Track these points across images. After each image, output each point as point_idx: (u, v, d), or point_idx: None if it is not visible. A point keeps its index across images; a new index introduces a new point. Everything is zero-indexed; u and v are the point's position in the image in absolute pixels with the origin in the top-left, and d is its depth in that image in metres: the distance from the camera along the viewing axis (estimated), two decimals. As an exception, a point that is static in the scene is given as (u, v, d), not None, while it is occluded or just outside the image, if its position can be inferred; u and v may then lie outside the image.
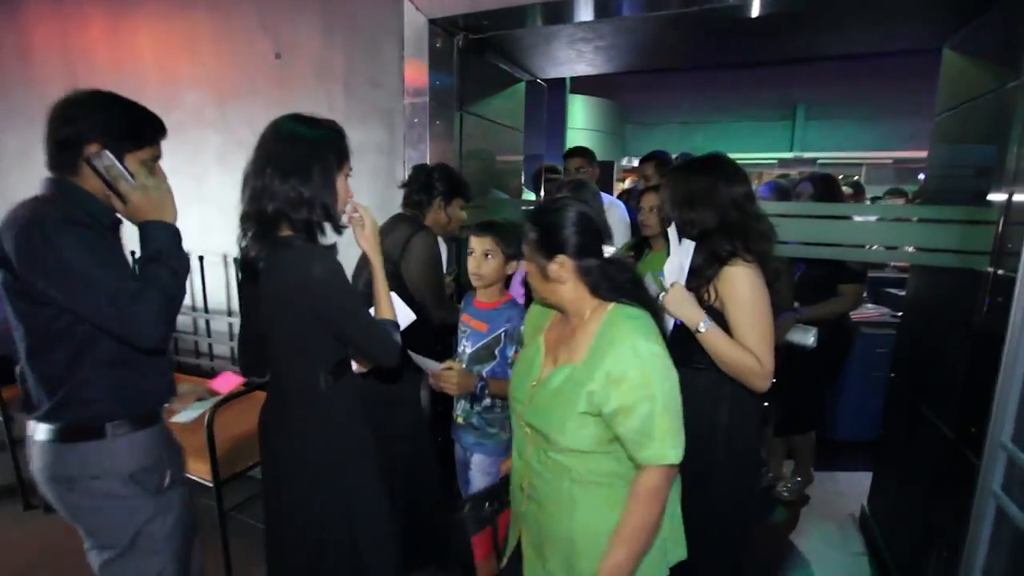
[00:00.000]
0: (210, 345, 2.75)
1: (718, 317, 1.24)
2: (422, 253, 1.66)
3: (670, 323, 1.35)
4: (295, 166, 1.08)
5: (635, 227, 2.36)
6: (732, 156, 1.40)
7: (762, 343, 1.20)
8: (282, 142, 1.10)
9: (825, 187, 2.30)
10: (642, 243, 2.10)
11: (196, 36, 2.49)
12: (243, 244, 1.14)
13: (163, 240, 1.11)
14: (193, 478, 1.91)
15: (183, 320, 2.78)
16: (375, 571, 1.25)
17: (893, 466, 2.11)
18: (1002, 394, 1.17)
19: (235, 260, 2.58)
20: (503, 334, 1.57)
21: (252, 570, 1.98)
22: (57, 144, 1.08)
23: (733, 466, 1.33)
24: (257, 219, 1.10)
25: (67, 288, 1.00)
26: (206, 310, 2.71)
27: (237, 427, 2.03)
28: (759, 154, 7.96)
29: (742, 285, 1.21)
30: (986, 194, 1.53)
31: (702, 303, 1.27)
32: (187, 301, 2.73)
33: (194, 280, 2.69)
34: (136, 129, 1.13)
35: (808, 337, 2.03)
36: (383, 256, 1.29)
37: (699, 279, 1.28)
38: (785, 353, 2.09)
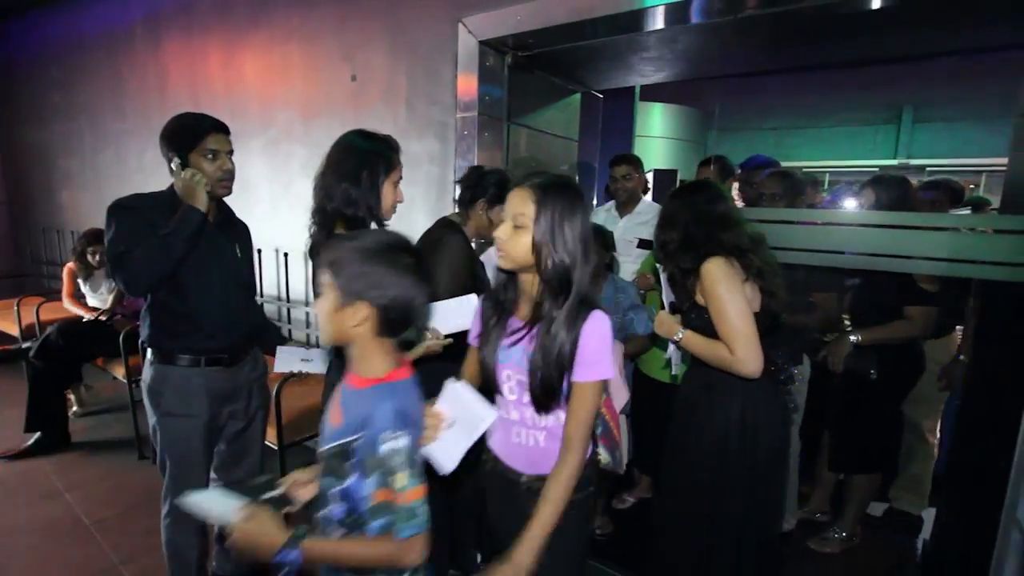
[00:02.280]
0: (290, 331, 3.13)
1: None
2: (451, 247, 1.75)
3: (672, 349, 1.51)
4: (347, 171, 1.32)
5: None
6: (829, 164, 1.51)
7: (732, 332, 1.26)
8: (341, 151, 1.35)
9: (888, 191, 2.02)
10: None
11: (289, 64, 2.88)
12: (311, 232, 1.39)
13: (177, 220, 1.42)
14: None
15: (269, 308, 3.20)
16: None
17: (955, 498, 1.93)
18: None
19: (308, 251, 2.92)
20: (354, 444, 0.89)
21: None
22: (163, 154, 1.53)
23: (749, 458, 1.36)
24: (320, 214, 1.34)
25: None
26: (288, 300, 3.09)
27: (302, 400, 2.32)
28: (860, 161, 7.31)
29: (708, 279, 1.32)
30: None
31: (696, 307, 1.34)
32: (272, 292, 3.14)
33: (279, 274, 3.09)
34: (190, 132, 1.48)
35: (863, 363, 1.90)
36: None
37: (680, 290, 1.42)
38: (845, 380, 2.00)
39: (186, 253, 1.44)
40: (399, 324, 0.90)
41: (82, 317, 3.15)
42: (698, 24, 1.89)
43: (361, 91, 2.62)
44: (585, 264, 0.99)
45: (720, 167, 2.93)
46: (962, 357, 2.18)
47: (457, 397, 1.04)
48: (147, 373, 1.58)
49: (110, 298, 3.19)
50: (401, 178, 1.45)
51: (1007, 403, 1.56)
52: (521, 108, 2.49)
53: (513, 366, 1.05)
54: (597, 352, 0.98)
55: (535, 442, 1.06)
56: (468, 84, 2.26)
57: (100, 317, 3.09)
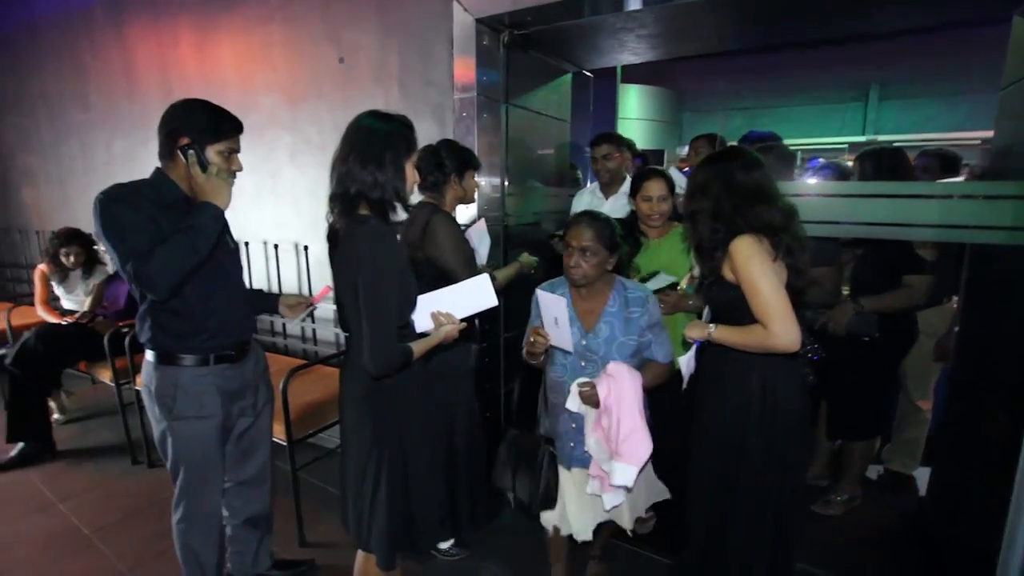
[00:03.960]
0: (284, 325, 3.05)
1: (741, 295, 1.32)
2: (445, 231, 1.77)
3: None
4: (372, 155, 1.27)
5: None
6: (800, 141, 1.50)
7: (767, 308, 1.27)
8: (361, 134, 1.30)
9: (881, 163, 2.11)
10: (634, 233, 2.01)
11: (270, 46, 2.76)
12: (330, 219, 1.35)
13: (202, 217, 1.37)
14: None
15: (260, 303, 3.10)
16: (417, 500, 1.42)
17: (951, 460, 2.03)
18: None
19: (305, 248, 2.84)
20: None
21: (319, 522, 2.22)
22: (163, 136, 1.42)
23: (768, 427, 1.38)
24: (342, 199, 1.30)
25: (109, 252, 1.36)
26: (280, 293, 2.99)
27: (306, 395, 2.27)
28: (829, 139, 7.51)
29: (740, 257, 1.31)
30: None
31: (721, 282, 1.37)
32: (263, 285, 3.04)
33: (269, 266, 2.99)
34: (215, 126, 1.42)
35: (869, 325, 1.96)
36: (408, 243, 1.58)
37: (705, 263, 1.42)
38: (841, 350, 2.03)
39: (211, 252, 1.39)
40: None
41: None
42: (690, 1, 1.89)
43: (350, 73, 2.54)
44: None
45: (710, 140, 2.90)
46: (958, 329, 2.23)
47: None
48: (151, 377, 1.50)
49: (88, 300, 3.04)
50: (417, 156, 1.43)
51: (1004, 360, 1.64)
52: (516, 89, 2.45)
53: None
54: None
55: None
56: (465, 64, 2.21)
57: (80, 320, 2.94)
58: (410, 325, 1.43)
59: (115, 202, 1.35)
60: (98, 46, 3.48)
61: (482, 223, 2.06)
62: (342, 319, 1.46)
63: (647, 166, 2.93)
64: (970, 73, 6.21)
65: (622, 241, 1.54)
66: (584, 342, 1.55)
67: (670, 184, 1.97)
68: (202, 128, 1.40)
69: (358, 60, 2.50)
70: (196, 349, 1.49)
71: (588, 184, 2.98)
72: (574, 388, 1.50)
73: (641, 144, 6.65)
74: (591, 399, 1.45)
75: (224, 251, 1.53)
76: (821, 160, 4.60)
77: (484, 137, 2.27)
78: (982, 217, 1.63)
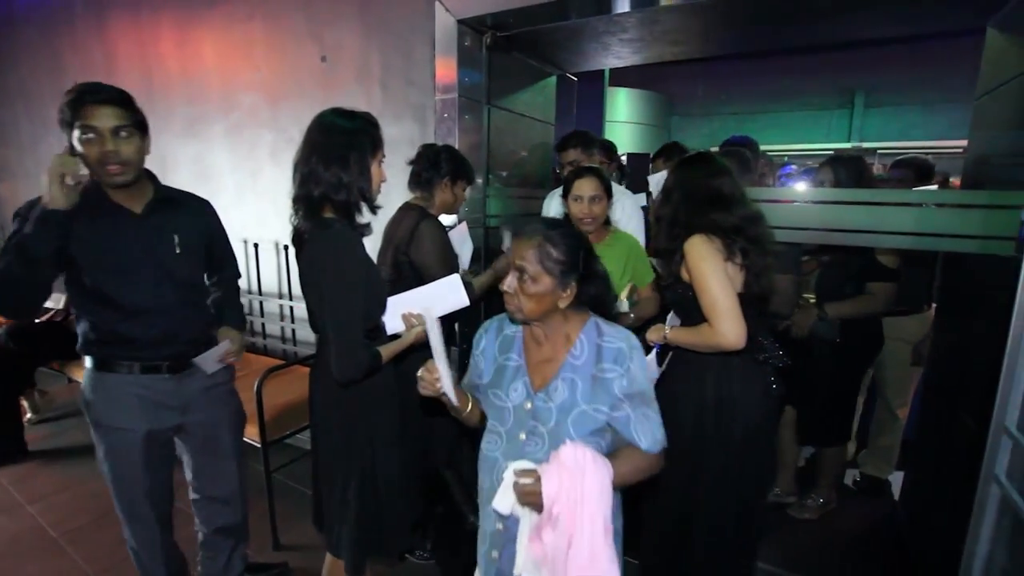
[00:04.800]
0: (263, 325, 3.01)
1: (695, 294, 1.36)
2: (431, 236, 1.76)
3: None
4: (335, 154, 1.23)
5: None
6: (787, 147, 1.51)
7: (712, 305, 1.30)
8: (324, 133, 1.25)
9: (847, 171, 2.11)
10: None
11: (252, 44, 2.73)
12: (295, 222, 1.31)
13: (30, 222, 1.19)
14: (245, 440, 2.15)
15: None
16: (388, 504, 1.41)
17: (922, 462, 2.05)
18: (1007, 379, 1.15)
19: (285, 247, 2.81)
20: None
21: (294, 525, 2.19)
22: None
23: (726, 432, 1.39)
24: (306, 201, 1.26)
25: None
26: (260, 293, 2.96)
27: (282, 396, 2.25)
28: (815, 144, 7.59)
29: (691, 255, 1.35)
30: (1020, 178, 1.48)
31: (680, 283, 1.42)
32: (243, 284, 3.01)
33: (248, 265, 2.96)
34: (65, 109, 1.24)
35: (829, 331, 1.97)
36: (393, 245, 1.50)
37: (665, 266, 1.45)
38: (812, 353, 2.04)
39: (48, 260, 1.22)
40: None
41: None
42: (673, 5, 1.90)
43: (332, 72, 2.52)
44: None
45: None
46: (932, 336, 2.26)
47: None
48: (84, 382, 1.43)
49: (63, 297, 2.98)
50: (384, 156, 1.39)
51: (975, 366, 1.66)
52: (499, 90, 2.45)
53: None
54: None
55: None
56: (446, 65, 2.20)
57: (54, 318, 2.89)
58: (381, 327, 1.41)
59: (15, 216, 1.28)
60: (78, 40, 3.42)
61: (463, 227, 2.05)
62: (312, 321, 1.44)
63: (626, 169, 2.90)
64: (952, 82, 6.32)
65: (592, 264, 1.08)
66: (530, 405, 1.08)
67: (606, 185, 1.80)
68: (60, 117, 1.25)
69: (340, 59, 2.48)
70: (120, 357, 1.39)
71: (560, 188, 2.82)
72: (507, 477, 0.98)
73: (629, 148, 6.68)
74: (531, 498, 0.93)
75: (150, 248, 1.37)
76: (794, 167, 4.63)
77: (465, 138, 2.26)
78: (954, 226, 1.64)
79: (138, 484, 1.46)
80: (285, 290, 2.88)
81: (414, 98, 2.31)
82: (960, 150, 6.86)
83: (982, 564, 1.22)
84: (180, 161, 3.11)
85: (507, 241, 1.12)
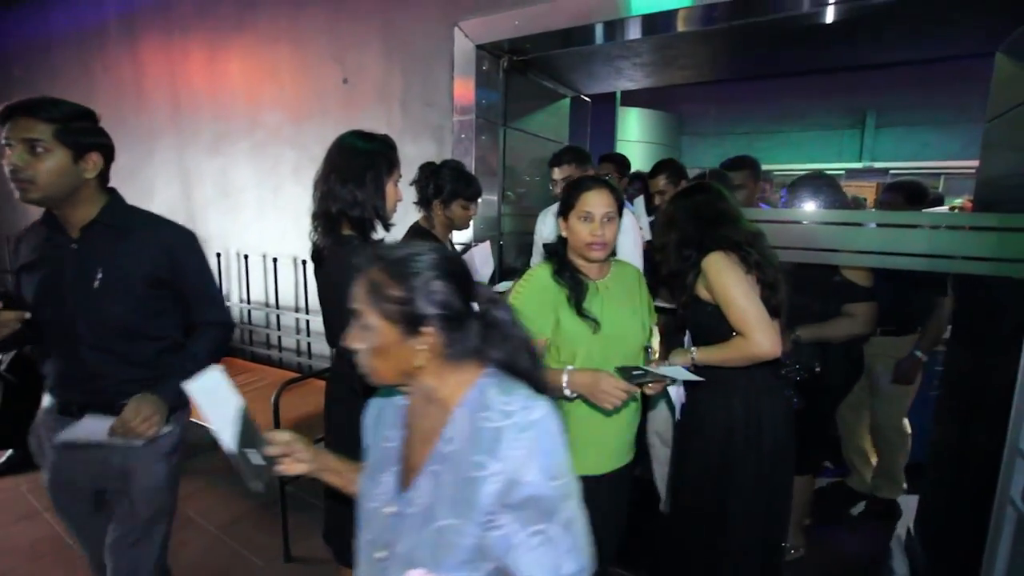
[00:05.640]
0: (279, 338, 3.07)
1: (717, 311, 1.37)
2: None
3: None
4: (352, 173, 1.29)
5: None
6: (798, 167, 1.54)
7: (743, 316, 1.31)
8: (343, 153, 1.32)
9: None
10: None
11: (277, 66, 2.83)
12: (314, 238, 1.36)
13: None
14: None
15: (257, 315, 3.13)
16: None
17: (937, 486, 2.03)
18: (1020, 400, 1.16)
19: (303, 262, 2.87)
20: None
21: (308, 538, 2.21)
22: None
23: (754, 452, 1.39)
24: (324, 217, 1.32)
25: None
26: (277, 306, 3.03)
27: (297, 409, 2.28)
28: (826, 164, 7.61)
29: (712, 271, 1.36)
30: (1030, 202, 1.50)
31: (698, 303, 1.42)
32: (261, 298, 3.07)
33: (268, 279, 3.03)
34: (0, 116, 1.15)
35: (808, 358, 1.82)
36: None
37: (678, 290, 1.47)
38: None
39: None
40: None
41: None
42: (687, 31, 1.96)
43: (354, 93, 2.60)
44: None
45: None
46: (918, 353, 2.22)
47: None
48: None
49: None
50: (400, 176, 1.45)
51: (988, 390, 1.66)
52: (514, 112, 2.52)
53: None
54: None
55: None
56: (465, 87, 2.27)
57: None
58: None
59: None
60: (110, 59, 3.57)
61: (486, 245, 2.07)
62: (328, 335, 1.48)
63: (642, 187, 2.83)
64: (964, 102, 6.32)
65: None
66: (394, 508, 0.79)
67: (619, 200, 1.36)
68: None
69: (362, 81, 2.57)
70: (50, 390, 1.30)
71: (554, 204, 2.23)
72: None
73: (640, 167, 6.75)
74: None
75: (69, 281, 1.21)
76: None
77: (482, 158, 2.32)
78: (967, 248, 1.65)
79: (69, 518, 1.36)
80: (302, 304, 2.94)
81: (432, 119, 2.38)
82: (973, 171, 6.83)
83: (1000, 587, 1.21)
84: (205, 176, 3.21)
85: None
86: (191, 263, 1.33)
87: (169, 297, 1.30)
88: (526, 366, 0.80)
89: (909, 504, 2.42)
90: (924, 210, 2.39)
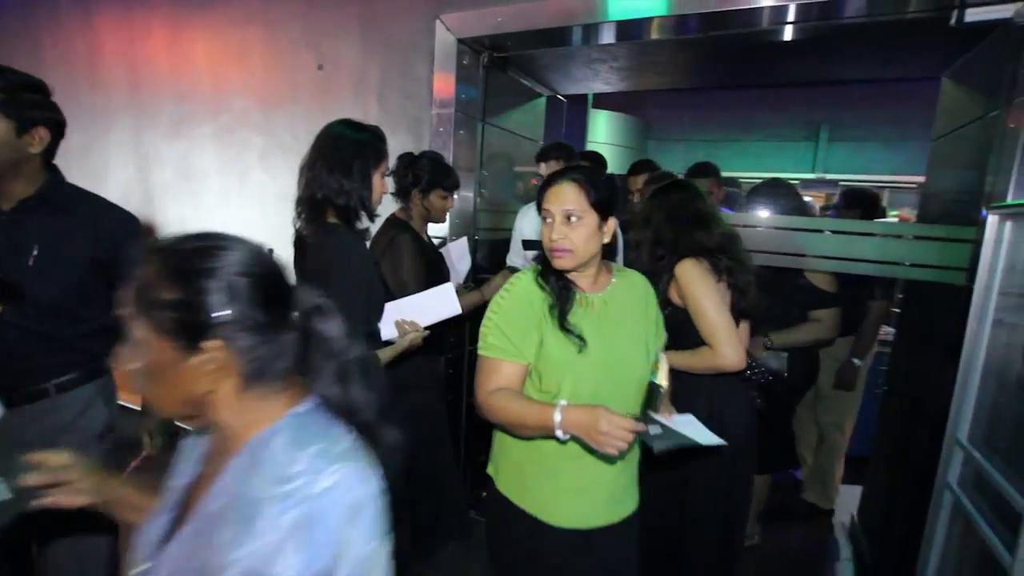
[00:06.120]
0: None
1: (687, 316, 1.41)
2: (406, 255, 1.76)
3: None
4: (339, 161, 1.29)
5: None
6: (755, 175, 1.59)
7: (712, 327, 1.35)
8: (331, 142, 1.32)
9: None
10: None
11: (247, 48, 2.74)
12: (297, 224, 1.35)
13: None
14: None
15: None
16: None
17: (879, 477, 2.19)
18: (959, 396, 1.27)
19: (270, 251, 2.79)
20: None
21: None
22: None
23: (715, 457, 1.45)
24: (309, 204, 1.31)
25: None
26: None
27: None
28: (782, 173, 7.95)
29: (683, 279, 1.40)
30: (968, 215, 1.63)
31: (670, 306, 1.45)
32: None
33: (232, 269, 2.92)
34: None
35: (779, 362, 1.92)
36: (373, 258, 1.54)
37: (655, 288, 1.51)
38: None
39: None
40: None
41: None
42: (661, 40, 2.02)
43: (329, 81, 2.55)
44: None
45: (652, 170, 2.62)
46: (856, 360, 2.34)
47: None
48: None
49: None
50: (388, 169, 1.45)
51: (930, 387, 1.80)
52: (492, 108, 2.53)
53: None
54: None
55: None
56: (445, 81, 2.27)
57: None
58: (376, 333, 1.44)
59: None
60: (62, 31, 3.35)
61: (463, 241, 2.08)
62: None
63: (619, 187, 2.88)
64: (909, 122, 6.78)
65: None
66: (146, 566, 0.67)
67: (594, 198, 1.09)
68: None
69: (338, 69, 2.52)
70: None
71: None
72: None
73: (609, 168, 6.89)
74: None
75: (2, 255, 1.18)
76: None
77: (460, 153, 2.32)
78: (915, 255, 1.79)
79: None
80: (268, 294, 2.85)
81: (411, 111, 2.36)
82: (914, 185, 7.34)
83: (935, 566, 1.32)
84: (165, 159, 3.06)
85: None
86: (131, 244, 1.30)
87: (103, 281, 1.26)
88: (356, 399, 0.63)
89: (853, 493, 2.59)
90: (876, 220, 2.56)
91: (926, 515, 1.39)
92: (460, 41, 2.20)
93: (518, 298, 1.12)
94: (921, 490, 1.67)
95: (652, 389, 1.09)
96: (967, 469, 1.26)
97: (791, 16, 1.71)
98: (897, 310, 2.46)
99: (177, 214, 3.05)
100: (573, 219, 1.07)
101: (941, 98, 2.10)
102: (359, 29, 2.43)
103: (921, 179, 7.05)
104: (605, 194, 1.09)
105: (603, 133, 7.60)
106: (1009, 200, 1.36)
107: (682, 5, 1.78)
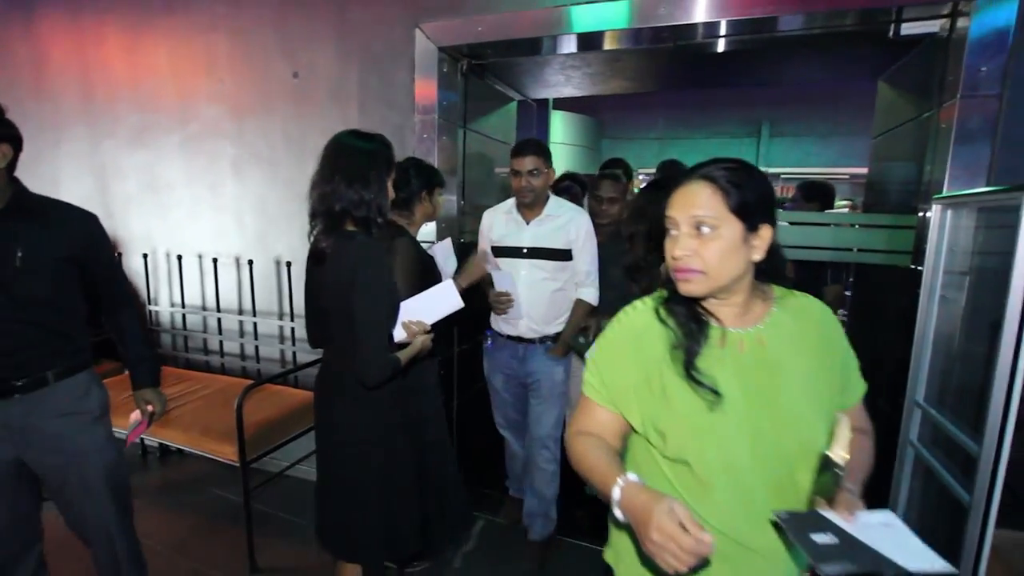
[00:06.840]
0: (221, 343, 2.90)
1: None
2: (402, 257, 1.78)
3: None
4: (357, 174, 1.33)
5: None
6: None
7: None
8: (344, 154, 1.36)
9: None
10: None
11: (214, 56, 2.67)
12: (313, 235, 1.38)
13: None
14: (219, 459, 2.08)
15: (193, 319, 2.93)
16: (404, 504, 1.48)
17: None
18: (916, 362, 1.46)
19: (250, 262, 2.74)
20: None
21: (270, 547, 2.15)
22: None
23: None
24: (326, 216, 1.34)
25: None
26: (218, 309, 2.86)
27: (256, 414, 2.20)
28: (727, 169, 8.42)
29: None
30: (910, 204, 1.86)
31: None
32: (199, 301, 2.89)
33: (205, 281, 2.85)
34: None
35: None
36: None
37: (644, 278, 1.56)
38: None
39: None
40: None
41: None
42: (627, 49, 2.16)
43: (305, 89, 2.54)
44: None
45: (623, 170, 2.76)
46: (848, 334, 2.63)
47: None
48: None
49: None
50: (395, 175, 1.50)
51: (885, 359, 2.02)
52: (471, 113, 2.59)
53: None
54: None
55: None
56: (426, 88, 2.32)
57: None
58: (390, 336, 1.49)
59: None
60: (-3, 38, 3.15)
61: (448, 242, 2.14)
62: (315, 334, 1.49)
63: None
64: (842, 118, 7.37)
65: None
66: None
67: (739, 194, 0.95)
68: None
69: (314, 77, 2.51)
70: None
71: (503, 202, 2.23)
72: None
73: (566, 167, 7.08)
74: None
75: None
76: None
77: (443, 158, 2.38)
78: (864, 242, 2.01)
79: None
80: (246, 306, 2.80)
81: (393, 119, 2.40)
82: (847, 176, 7.96)
83: (902, 514, 1.51)
84: (126, 170, 2.94)
85: None
86: (104, 243, 1.52)
87: (77, 274, 1.42)
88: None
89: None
90: (827, 211, 2.81)
91: (891, 472, 1.58)
92: (440, 49, 2.26)
93: (624, 332, 0.90)
94: (886, 449, 1.89)
95: (825, 467, 0.73)
96: (925, 427, 1.45)
97: (723, 31, 1.88)
98: (848, 292, 2.72)
99: (143, 227, 2.93)
100: (705, 229, 0.81)
101: (879, 99, 2.35)
102: (335, 38, 2.44)
103: (854, 170, 7.72)
104: (753, 196, 0.81)
105: (560, 133, 7.80)
106: (945, 192, 1.57)
107: (634, 20, 1.92)
